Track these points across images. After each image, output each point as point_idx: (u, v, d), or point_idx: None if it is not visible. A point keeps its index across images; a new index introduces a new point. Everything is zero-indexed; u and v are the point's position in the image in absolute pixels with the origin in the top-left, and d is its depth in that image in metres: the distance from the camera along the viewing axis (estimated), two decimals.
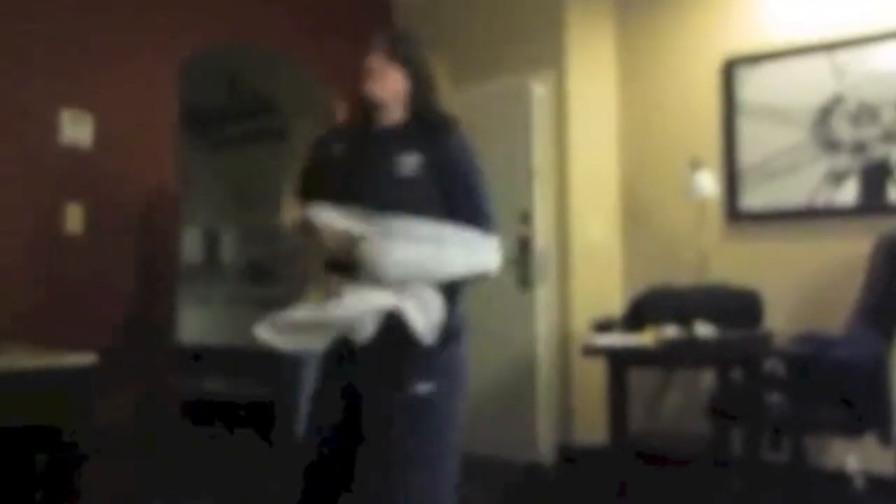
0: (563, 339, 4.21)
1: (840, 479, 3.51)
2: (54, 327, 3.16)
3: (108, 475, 3.09)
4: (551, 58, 4.30)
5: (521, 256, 4.28)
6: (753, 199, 3.97)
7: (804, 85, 3.82)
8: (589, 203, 4.30)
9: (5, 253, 3.09)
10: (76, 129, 3.35)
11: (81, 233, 3.34)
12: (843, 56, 3.74)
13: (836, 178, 3.75)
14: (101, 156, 3.42)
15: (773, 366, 3.35)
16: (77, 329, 3.22)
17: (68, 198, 3.31)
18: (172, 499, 3.46)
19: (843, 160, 3.74)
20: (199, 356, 5.08)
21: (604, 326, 3.67)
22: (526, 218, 4.28)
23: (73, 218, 3.32)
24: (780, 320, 3.56)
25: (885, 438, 2.96)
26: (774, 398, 3.28)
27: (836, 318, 3.37)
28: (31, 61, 3.22)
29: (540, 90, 4.29)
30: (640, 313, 3.54)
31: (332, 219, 1.96)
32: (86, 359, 2.81)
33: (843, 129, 3.74)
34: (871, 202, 3.66)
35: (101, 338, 3.19)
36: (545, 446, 4.17)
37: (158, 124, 3.68)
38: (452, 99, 4.89)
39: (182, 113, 3.82)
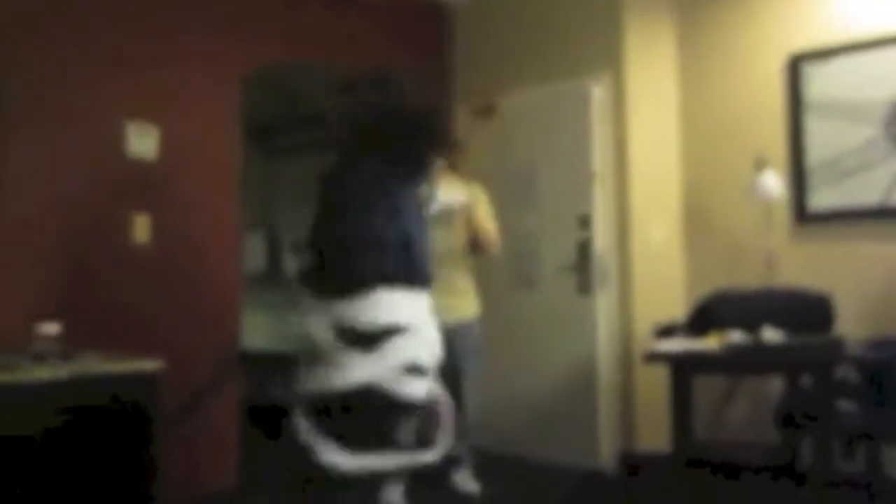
0: (625, 345, 4.14)
1: None
2: (122, 334, 3.25)
3: (177, 479, 3.17)
4: (610, 59, 4.24)
5: (581, 261, 4.23)
6: (822, 199, 3.84)
7: (874, 79, 3.68)
8: (650, 205, 4.22)
9: (76, 263, 3.20)
10: (142, 142, 3.44)
11: (148, 242, 3.43)
12: None
13: None
14: (166, 167, 3.51)
15: (844, 372, 3.23)
16: (144, 336, 3.31)
17: (135, 208, 3.41)
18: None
19: None
20: (262, 362, 5.15)
21: (666, 332, 3.60)
22: (585, 222, 4.23)
23: (141, 228, 3.42)
24: (851, 325, 3.43)
25: None
26: (846, 406, 3.16)
27: None
28: (98, 75, 3.32)
29: (599, 92, 4.24)
30: (704, 318, 3.45)
31: None
32: (152, 365, 2.88)
33: None
34: None
35: (168, 344, 3.28)
36: (606, 454, 4.10)
37: (221, 136, 3.76)
38: (511, 103, 4.92)
39: (246, 124, 3.90)
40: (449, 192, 3.60)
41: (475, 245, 3.76)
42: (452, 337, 3.72)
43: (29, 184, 3.10)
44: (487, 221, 3.74)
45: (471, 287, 3.82)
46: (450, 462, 3.82)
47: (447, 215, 3.65)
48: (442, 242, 3.72)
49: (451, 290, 3.73)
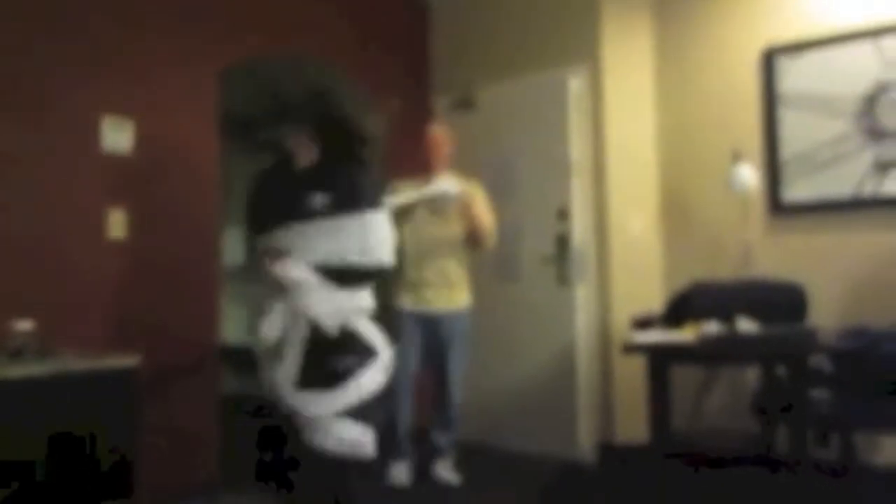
0: (603, 337, 4.17)
1: (891, 476, 3.42)
2: (99, 330, 3.23)
3: (156, 474, 3.16)
4: (587, 51, 4.26)
5: (560, 253, 4.25)
6: (797, 191, 3.89)
7: (847, 73, 3.73)
8: (627, 198, 4.26)
9: (50, 258, 3.17)
10: (118, 136, 3.41)
11: (124, 237, 3.41)
12: (888, 42, 3.64)
13: (883, 167, 3.65)
14: (143, 161, 3.48)
15: (819, 362, 3.28)
16: (121, 332, 3.29)
17: (111, 203, 3.38)
18: (215, 495, 3.52)
19: (890, 149, 3.64)
20: (240, 356, 5.14)
21: (643, 323, 3.63)
22: (563, 214, 4.25)
23: (116, 223, 3.39)
24: (825, 315, 3.48)
25: None
26: (820, 394, 3.21)
27: (885, 312, 3.28)
28: (73, 69, 3.28)
29: (576, 84, 4.25)
30: (680, 309, 3.49)
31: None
32: (130, 360, 2.87)
33: (889, 118, 3.64)
34: None
35: (146, 339, 3.26)
36: (585, 444, 4.14)
37: (198, 130, 3.73)
38: (488, 95, 4.93)
39: (223, 119, 3.87)
40: (444, 184, 3.64)
41: (471, 237, 3.77)
42: (442, 325, 3.76)
43: (2, 178, 3.07)
44: (484, 214, 3.75)
45: (464, 278, 3.85)
46: (432, 452, 3.85)
47: (442, 206, 3.67)
48: (437, 233, 3.75)
49: (445, 281, 3.75)
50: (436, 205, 3.68)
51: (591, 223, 4.23)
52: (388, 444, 3.79)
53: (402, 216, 3.59)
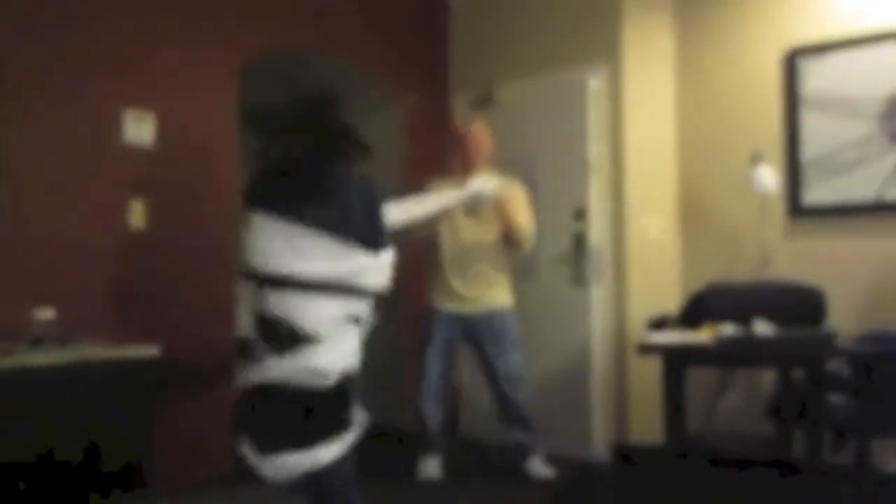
0: (619, 337, 4.16)
1: None
2: (119, 320, 3.26)
3: (172, 465, 3.19)
4: (608, 51, 4.24)
5: (576, 253, 4.25)
6: (817, 193, 3.86)
7: (871, 75, 3.69)
8: (645, 198, 4.24)
9: (72, 249, 3.21)
10: (139, 128, 3.45)
11: (145, 228, 3.44)
12: None
13: None
14: (163, 154, 3.51)
15: (836, 366, 3.25)
16: (140, 322, 3.32)
17: (132, 194, 3.41)
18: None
19: None
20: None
21: (659, 324, 3.62)
22: (581, 214, 4.24)
23: (137, 214, 3.42)
24: (844, 319, 3.45)
25: None
26: (838, 399, 3.19)
27: None
28: (95, 62, 3.32)
29: (595, 84, 4.24)
30: (697, 311, 3.47)
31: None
32: (150, 351, 2.90)
33: None
34: None
35: (165, 330, 3.29)
36: (600, 445, 4.13)
37: (219, 123, 3.77)
38: (508, 92, 4.92)
39: (245, 112, 3.90)
40: (478, 184, 3.51)
41: (506, 238, 3.73)
42: (477, 326, 3.75)
43: (26, 170, 3.11)
44: (521, 215, 3.71)
45: (502, 278, 3.83)
46: (521, 451, 3.83)
47: (476, 207, 3.62)
48: (473, 233, 3.74)
49: (480, 281, 3.75)
50: (470, 205, 3.63)
51: (608, 223, 4.22)
52: (419, 440, 3.83)
53: (437, 216, 3.57)
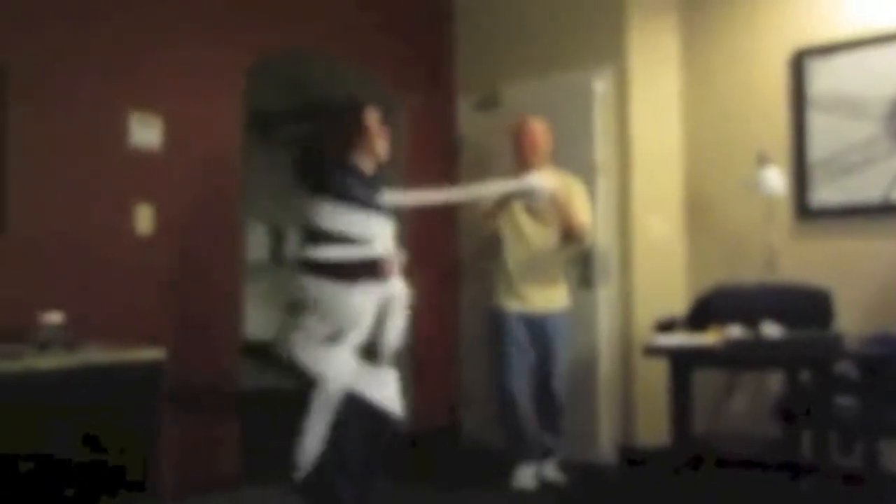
0: (625, 339, 4.15)
1: None
2: (125, 324, 3.27)
3: (178, 467, 3.20)
4: (613, 53, 4.23)
5: (582, 255, 4.23)
6: (824, 195, 3.84)
7: (878, 76, 3.68)
8: (652, 200, 4.23)
9: (78, 251, 3.21)
10: (146, 132, 3.46)
11: (151, 233, 3.45)
12: None
13: None
14: (170, 157, 3.52)
15: (844, 368, 3.24)
16: (146, 325, 3.33)
17: (138, 199, 3.42)
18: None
19: None
20: (264, 352, 5.18)
21: (666, 326, 3.61)
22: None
23: (144, 218, 3.43)
24: (851, 321, 3.43)
25: None
26: (845, 401, 3.18)
27: None
28: (101, 66, 3.33)
29: (601, 86, 4.23)
30: (704, 313, 3.47)
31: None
32: (155, 354, 2.91)
33: None
34: None
35: (170, 333, 3.30)
36: (606, 447, 4.12)
37: (225, 127, 3.77)
38: (513, 94, 4.91)
39: (248, 115, 3.91)
40: (534, 180, 3.53)
41: (566, 235, 3.76)
42: (546, 326, 3.75)
43: (33, 174, 3.12)
44: (581, 213, 3.74)
45: (562, 277, 3.87)
46: (544, 454, 3.81)
47: (534, 204, 3.65)
48: (535, 232, 3.75)
49: (545, 281, 3.77)
50: (527, 202, 3.63)
51: (614, 225, 4.21)
52: (514, 447, 3.76)
53: (494, 211, 3.64)
